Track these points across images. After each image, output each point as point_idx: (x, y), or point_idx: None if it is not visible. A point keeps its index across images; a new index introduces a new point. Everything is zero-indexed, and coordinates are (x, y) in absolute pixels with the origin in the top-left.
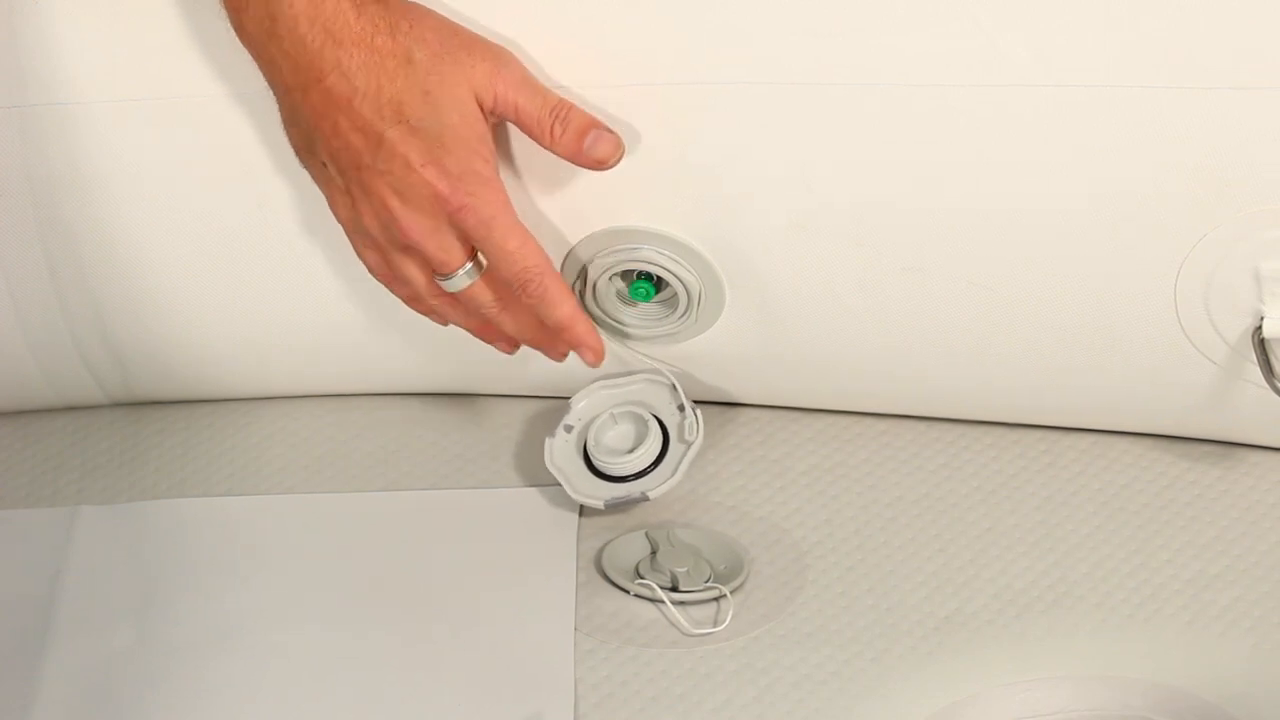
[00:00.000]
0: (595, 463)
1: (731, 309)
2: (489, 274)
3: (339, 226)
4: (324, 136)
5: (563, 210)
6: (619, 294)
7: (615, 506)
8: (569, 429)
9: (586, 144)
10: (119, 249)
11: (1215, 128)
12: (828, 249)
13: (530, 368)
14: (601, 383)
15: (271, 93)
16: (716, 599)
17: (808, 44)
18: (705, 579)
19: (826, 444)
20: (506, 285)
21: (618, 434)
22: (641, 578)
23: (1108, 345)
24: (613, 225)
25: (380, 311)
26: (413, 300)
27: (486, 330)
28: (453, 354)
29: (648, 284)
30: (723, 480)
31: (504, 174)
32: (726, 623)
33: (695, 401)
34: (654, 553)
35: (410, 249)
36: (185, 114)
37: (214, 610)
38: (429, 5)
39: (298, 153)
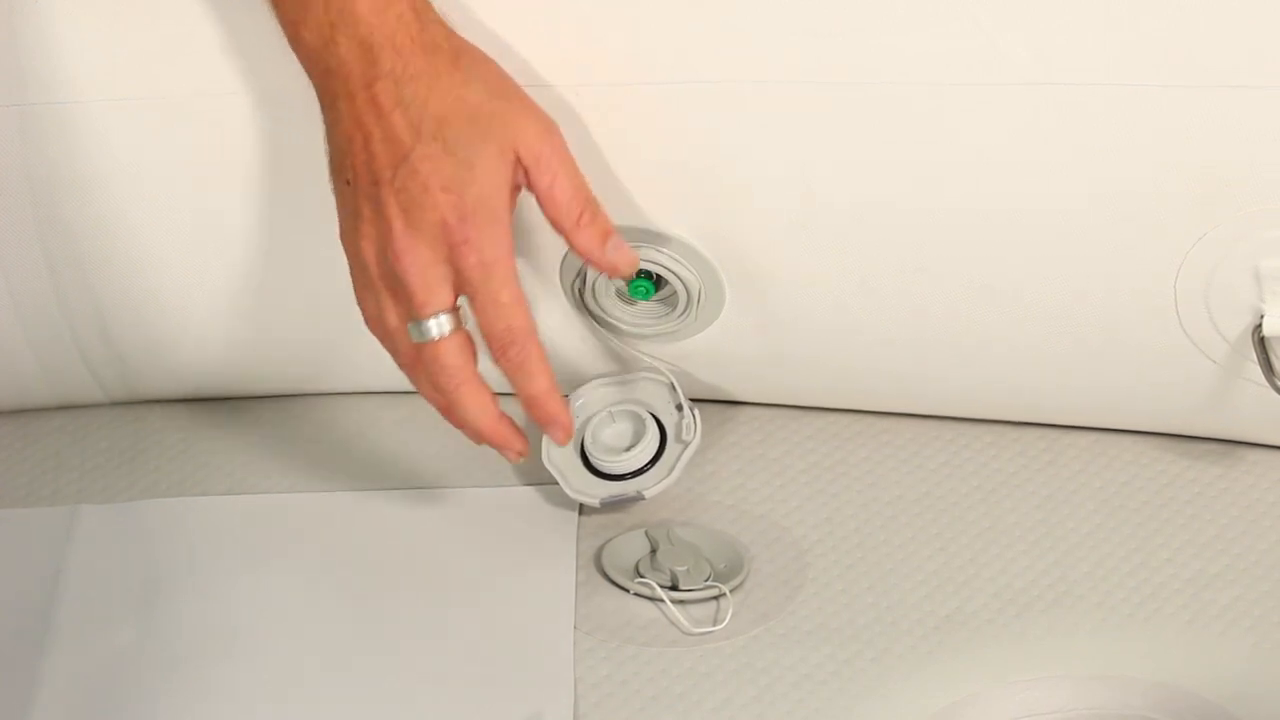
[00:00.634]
0: (592, 460)
1: (731, 308)
2: (463, 336)
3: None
4: (355, 148)
5: None
6: (619, 292)
7: (611, 505)
8: None
9: (609, 246)
10: (119, 248)
11: (1215, 128)
12: (828, 249)
13: None
14: (600, 380)
15: (281, 98)
16: (716, 598)
17: (808, 44)
18: (705, 578)
19: (826, 443)
20: (488, 342)
21: (615, 432)
22: (641, 576)
23: (1108, 344)
24: (613, 224)
25: None
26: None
27: (447, 410)
28: None
29: (647, 282)
30: (722, 479)
31: None
32: (726, 622)
33: (694, 400)
34: (654, 551)
35: (396, 285)
36: (185, 114)
37: (214, 610)
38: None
39: (330, 176)
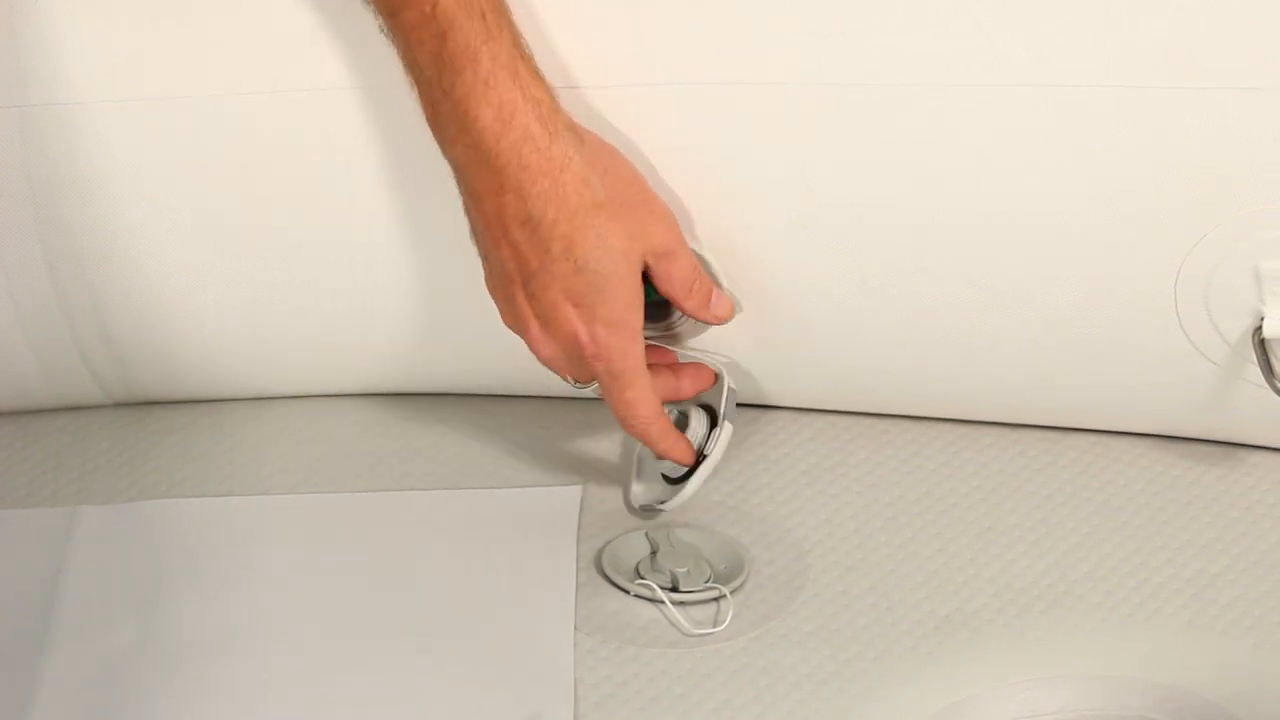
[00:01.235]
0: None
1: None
2: None
3: (338, 226)
4: (491, 240)
5: None
6: None
7: (641, 511)
8: None
9: (712, 303)
10: (119, 248)
11: (1215, 128)
12: (828, 249)
13: (530, 368)
14: None
15: (274, 94)
16: (716, 599)
17: (808, 44)
18: (705, 579)
19: (826, 444)
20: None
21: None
22: (641, 578)
23: (1108, 345)
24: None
25: (380, 311)
26: None
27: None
28: (453, 354)
29: (647, 282)
30: (723, 480)
31: None
32: (726, 623)
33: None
34: (654, 553)
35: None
36: (185, 114)
37: (214, 610)
38: None
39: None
